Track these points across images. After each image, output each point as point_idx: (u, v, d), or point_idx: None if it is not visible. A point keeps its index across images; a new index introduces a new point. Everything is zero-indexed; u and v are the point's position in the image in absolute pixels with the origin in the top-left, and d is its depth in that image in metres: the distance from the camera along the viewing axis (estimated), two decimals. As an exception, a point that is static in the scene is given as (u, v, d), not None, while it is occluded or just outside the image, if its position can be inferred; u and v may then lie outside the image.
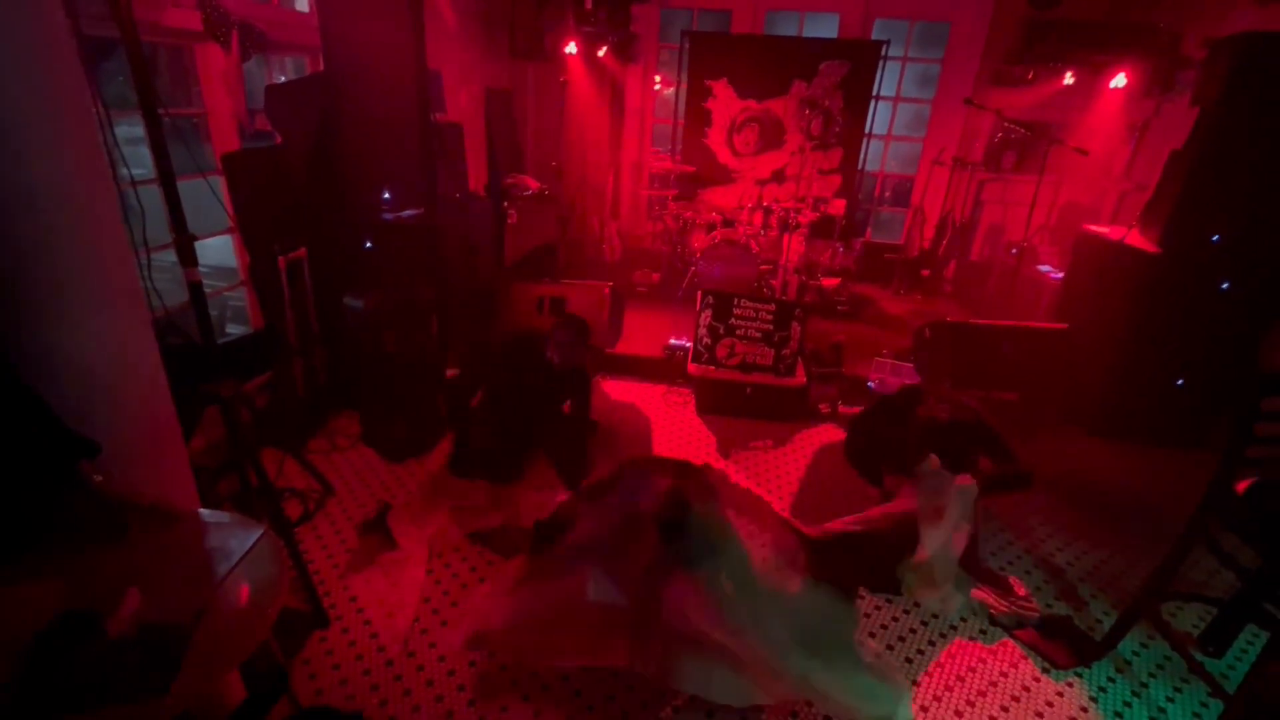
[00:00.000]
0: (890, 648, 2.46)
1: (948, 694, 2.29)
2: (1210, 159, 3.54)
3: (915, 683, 2.32)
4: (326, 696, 2.14)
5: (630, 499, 2.19)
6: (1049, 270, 5.58)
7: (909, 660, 2.42)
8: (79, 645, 1.32)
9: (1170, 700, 2.34)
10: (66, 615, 1.36)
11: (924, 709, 2.23)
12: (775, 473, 3.57)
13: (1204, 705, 2.32)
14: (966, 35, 6.27)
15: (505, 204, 4.92)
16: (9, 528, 1.48)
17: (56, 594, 1.41)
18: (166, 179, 1.94)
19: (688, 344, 4.44)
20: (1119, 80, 5.55)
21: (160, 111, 1.88)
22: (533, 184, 5.62)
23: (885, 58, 6.23)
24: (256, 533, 1.58)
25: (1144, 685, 2.39)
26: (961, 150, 6.45)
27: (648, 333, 4.92)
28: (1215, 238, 3.61)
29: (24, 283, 1.41)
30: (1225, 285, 3.67)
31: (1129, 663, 2.48)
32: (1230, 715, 2.05)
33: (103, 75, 2.72)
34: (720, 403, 4.16)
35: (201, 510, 1.74)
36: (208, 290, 2.14)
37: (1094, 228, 4.46)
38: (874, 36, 6.45)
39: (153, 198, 2.30)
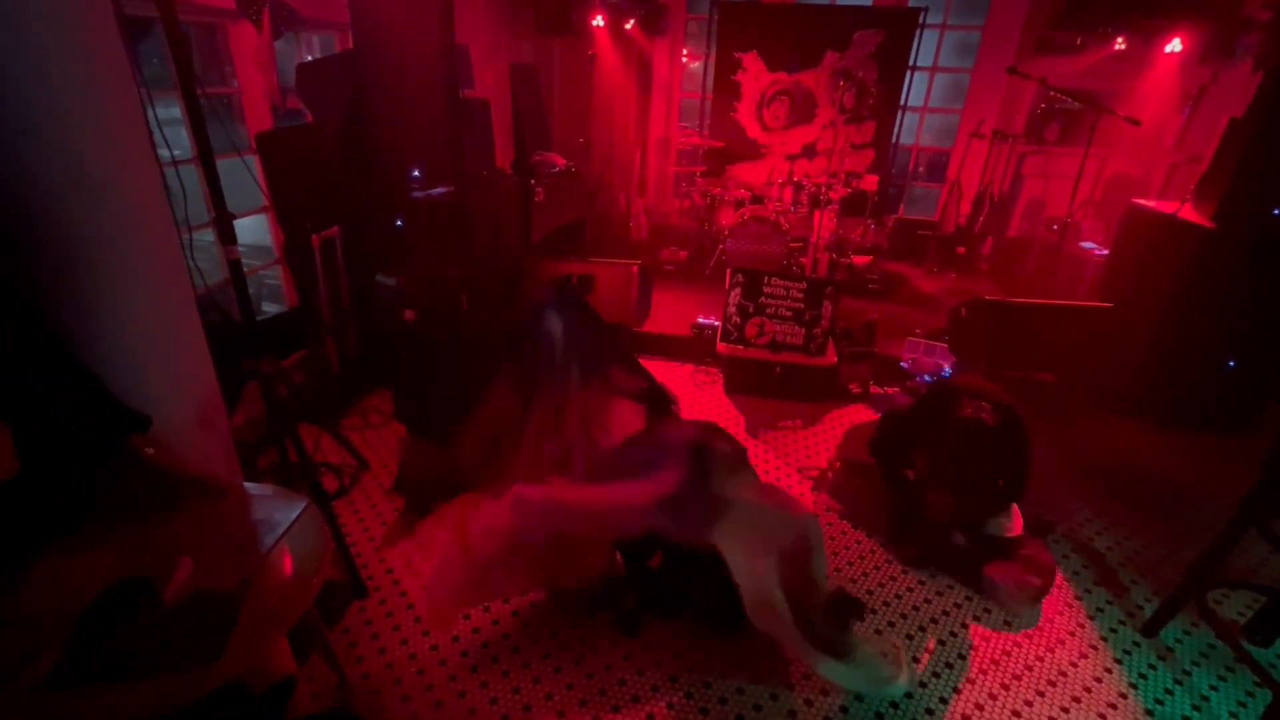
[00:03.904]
0: (923, 628, 2.45)
1: (981, 677, 2.27)
2: (1273, 128, 3.34)
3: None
4: (366, 665, 2.20)
5: (656, 444, 2.32)
6: (1092, 247, 5.38)
7: (941, 642, 2.40)
8: (134, 612, 1.37)
9: (1214, 689, 2.28)
10: (121, 583, 1.41)
11: (957, 691, 2.21)
12: (805, 453, 3.53)
13: (1250, 695, 2.26)
14: (1009, 0, 5.99)
15: (532, 181, 4.90)
16: (65, 499, 1.53)
17: (111, 563, 1.47)
18: (206, 158, 1.96)
19: (716, 323, 4.39)
20: (1174, 45, 5.25)
21: (198, 92, 1.89)
22: (559, 161, 5.58)
23: (923, 25, 6.00)
24: (300, 505, 1.62)
25: (1186, 673, 2.33)
26: (1002, 122, 6.20)
27: (675, 311, 4.88)
28: (1276, 211, 3.42)
29: (77, 264, 1.44)
30: (1285, 262, 3.49)
31: (1171, 650, 2.42)
32: (1279, 706, 1.99)
33: (138, 57, 2.75)
34: (749, 382, 4.12)
35: (246, 483, 1.79)
36: (244, 268, 2.17)
37: (1143, 202, 4.27)
38: (911, 3, 6.20)
39: (187, 177, 2.33)
